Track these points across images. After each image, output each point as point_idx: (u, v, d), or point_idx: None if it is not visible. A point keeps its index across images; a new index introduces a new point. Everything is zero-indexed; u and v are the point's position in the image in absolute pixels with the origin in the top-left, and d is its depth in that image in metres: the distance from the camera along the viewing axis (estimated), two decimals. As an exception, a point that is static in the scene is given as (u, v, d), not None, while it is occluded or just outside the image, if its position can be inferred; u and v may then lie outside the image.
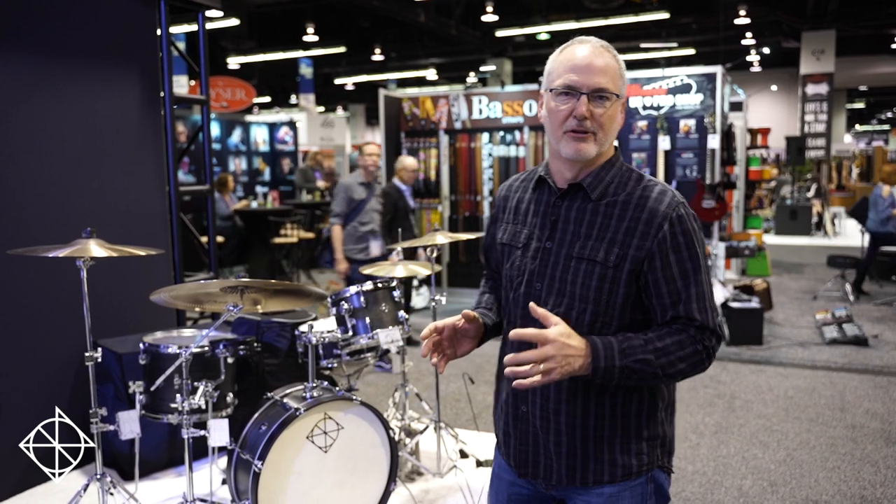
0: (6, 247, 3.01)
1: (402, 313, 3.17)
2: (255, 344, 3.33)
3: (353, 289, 3.10)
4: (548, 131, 1.52)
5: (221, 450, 2.97)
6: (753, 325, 6.03)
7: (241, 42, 14.98)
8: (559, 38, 16.19)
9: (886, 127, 33.34)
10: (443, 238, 3.57)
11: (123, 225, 3.83)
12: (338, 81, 21.35)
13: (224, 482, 3.19)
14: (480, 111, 8.34)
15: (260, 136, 13.36)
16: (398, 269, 3.67)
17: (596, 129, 1.45)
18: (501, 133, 8.26)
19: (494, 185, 8.16)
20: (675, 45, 15.68)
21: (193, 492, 2.81)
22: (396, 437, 3.27)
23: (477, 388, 4.63)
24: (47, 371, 3.53)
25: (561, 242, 1.50)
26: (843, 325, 6.17)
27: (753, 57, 18.05)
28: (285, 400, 2.78)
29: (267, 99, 23.90)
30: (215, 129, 12.17)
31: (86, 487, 2.79)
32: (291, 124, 14.04)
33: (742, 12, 13.50)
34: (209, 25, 7.69)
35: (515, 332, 1.37)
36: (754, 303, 6.12)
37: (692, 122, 6.88)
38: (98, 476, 2.74)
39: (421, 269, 3.74)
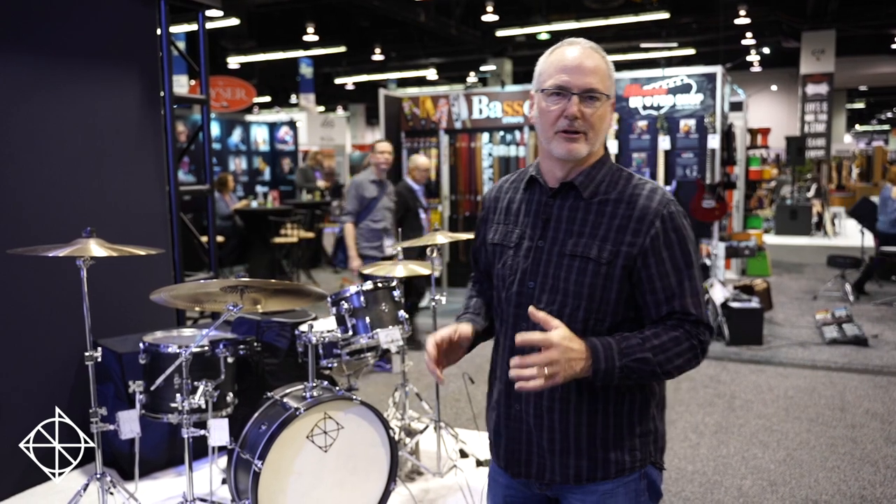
0: (6, 246, 3.01)
1: (402, 313, 3.17)
2: (255, 343, 3.33)
3: (352, 288, 3.10)
4: (539, 132, 1.54)
5: (221, 449, 2.97)
6: (753, 325, 6.03)
7: (242, 42, 14.99)
8: (559, 38, 16.00)
9: (886, 127, 33.34)
10: (443, 238, 3.57)
11: (123, 225, 3.83)
12: (338, 81, 21.36)
13: (224, 482, 3.20)
14: (480, 111, 8.34)
15: (260, 135, 13.36)
16: (398, 268, 3.67)
17: (587, 128, 1.47)
18: (501, 133, 8.26)
19: (494, 184, 8.16)
20: (675, 45, 15.68)
21: (193, 491, 2.81)
22: (396, 437, 3.27)
23: (477, 387, 4.62)
24: (47, 371, 3.53)
25: (553, 241, 1.51)
26: (843, 325, 6.17)
27: (753, 57, 18.05)
28: (285, 399, 2.78)
29: (267, 99, 23.90)
30: (215, 129, 12.17)
31: (86, 487, 2.79)
32: (291, 124, 14.04)
33: (742, 12, 13.50)
34: (209, 25, 7.69)
35: (521, 338, 1.37)
36: (754, 303, 6.12)
37: (692, 122, 6.88)
38: (98, 476, 2.74)
39: (421, 269, 3.74)
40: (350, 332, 3.04)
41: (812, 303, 7.69)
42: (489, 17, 13.45)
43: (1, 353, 3.34)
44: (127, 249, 2.69)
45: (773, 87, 21.16)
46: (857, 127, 35.16)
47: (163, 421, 2.90)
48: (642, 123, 7.07)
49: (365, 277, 5.37)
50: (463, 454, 3.67)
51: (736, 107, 9.48)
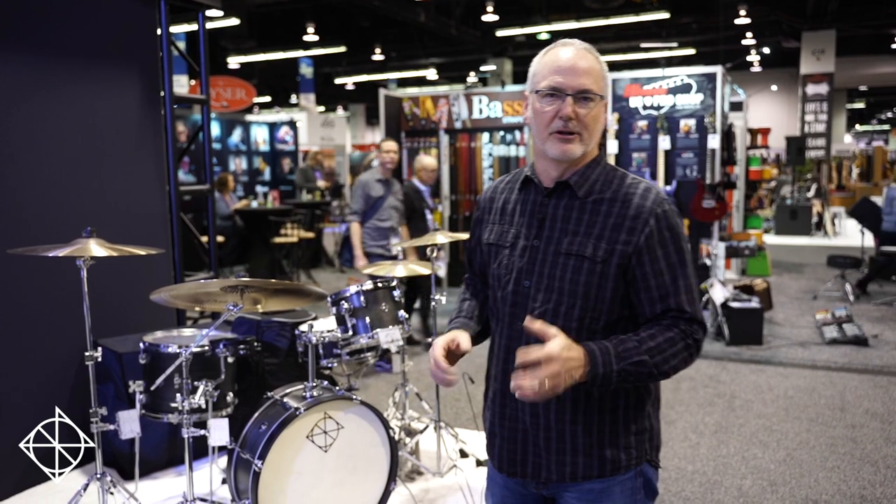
0: (6, 246, 3.01)
1: (402, 313, 3.17)
2: (256, 343, 3.33)
3: (352, 288, 3.10)
4: (533, 132, 1.55)
5: (221, 449, 2.97)
6: (753, 324, 6.03)
7: (242, 42, 14.99)
8: (560, 38, 16.17)
9: (886, 127, 33.35)
10: (443, 238, 3.57)
11: (123, 225, 3.83)
12: (338, 81, 21.36)
13: (224, 482, 3.20)
14: (481, 111, 8.34)
15: (260, 135, 13.36)
16: (398, 268, 3.67)
17: (581, 129, 1.48)
18: (502, 133, 8.26)
19: (494, 184, 8.16)
20: (675, 44, 15.69)
21: (193, 491, 2.81)
22: (396, 437, 3.27)
23: (477, 387, 4.62)
24: (47, 371, 3.53)
25: (549, 240, 1.52)
26: (843, 325, 6.17)
27: (753, 57, 18.05)
28: (285, 399, 2.78)
29: (267, 98, 23.91)
30: (215, 129, 12.17)
31: (86, 487, 2.79)
32: (292, 124, 14.04)
33: (742, 12, 13.50)
34: (209, 25, 7.69)
35: (522, 359, 1.36)
36: (754, 303, 6.12)
37: (692, 122, 6.88)
38: (98, 475, 2.74)
39: (420, 269, 3.74)
40: (350, 332, 3.04)
41: (812, 303, 7.69)
42: (489, 17, 13.45)
43: (1, 353, 3.34)
44: (127, 249, 2.69)
45: (774, 87, 21.16)
46: (858, 127, 35.16)
47: (163, 421, 2.90)
48: (642, 123, 7.07)
49: (373, 277, 5.36)
50: (463, 454, 3.67)
51: (736, 107, 9.48)
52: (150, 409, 2.89)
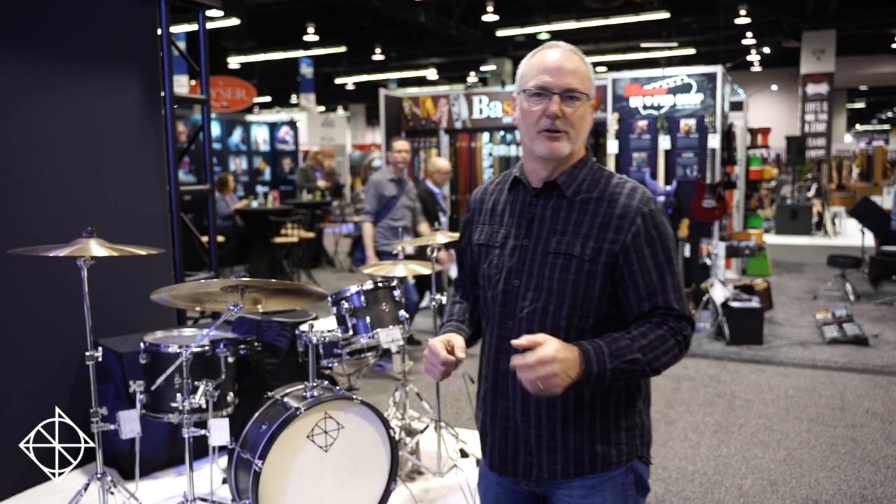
0: (6, 246, 3.01)
1: (402, 312, 3.17)
2: (256, 343, 3.33)
3: (353, 288, 3.10)
4: (522, 132, 1.58)
5: (222, 449, 2.97)
6: (754, 324, 6.03)
7: (242, 42, 15.00)
8: (560, 38, 16.15)
9: (887, 127, 33.33)
10: (443, 238, 3.57)
11: (124, 225, 3.83)
12: (338, 81, 21.37)
13: (224, 481, 3.20)
14: (481, 111, 8.34)
15: (260, 135, 13.36)
16: (398, 268, 3.67)
17: (568, 128, 1.51)
18: (502, 133, 8.26)
19: (495, 184, 8.16)
20: (675, 44, 15.68)
21: (194, 491, 2.81)
22: (397, 437, 3.26)
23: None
24: (47, 371, 3.53)
25: (538, 240, 1.54)
26: (844, 325, 6.17)
27: (754, 57, 18.06)
28: (286, 399, 2.78)
29: (267, 98, 23.92)
30: (216, 129, 12.17)
31: (86, 486, 2.79)
32: (292, 124, 14.04)
33: (742, 12, 13.50)
34: (209, 25, 7.70)
35: (517, 362, 1.38)
36: (754, 302, 6.12)
37: (692, 122, 6.88)
38: (98, 475, 2.74)
39: (420, 269, 3.74)
40: (350, 332, 3.04)
41: (812, 302, 7.69)
42: (489, 17, 13.45)
43: (1, 353, 3.34)
44: (127, 249, 2.69)
45: (774, 87, 21.16)
46: (858, 126, 35.16)
47: (163, 421, 2.90)
48: (642, 123, 7.07)
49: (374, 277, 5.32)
50: (463, 454, 3.67)
51: (736, 106, 9.48)
52: (150, 408, 2.89)
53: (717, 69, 6.83)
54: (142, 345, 2.96)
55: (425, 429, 3.56)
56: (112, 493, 2.76)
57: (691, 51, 16.77)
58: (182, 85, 12.38)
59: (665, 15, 13.17)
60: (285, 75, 20.28)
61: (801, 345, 6.02)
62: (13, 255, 2.76)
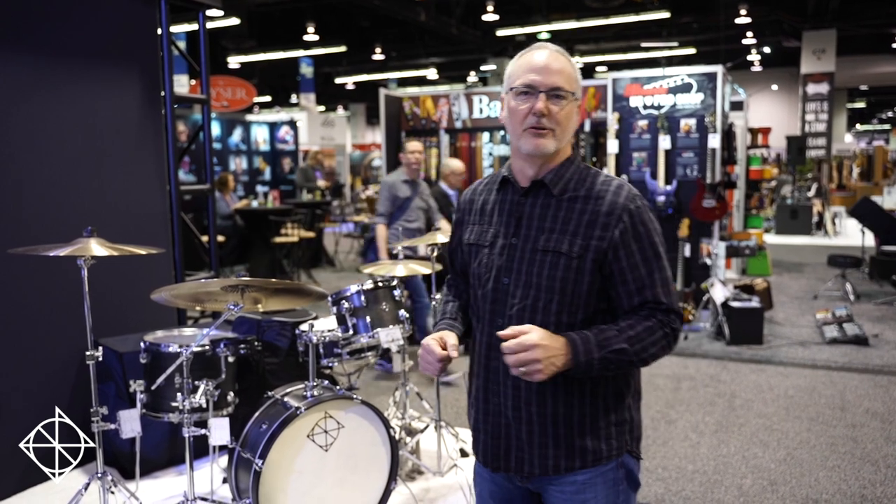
0: (6, 246, 3.01)
1: (402, 312, 3.17)
2: (256, 343, 3.34)
3: (353, 287, 3.10)
4: (509, 130, 1.62)
5: (222, 448, 2.97)
6: (754, 324, 6.03)
7: (242, 41, 15.00)
8: (560, 38, 16.22)
9: (887, 126, 33.32)
10: (443, 237, 3.57)
11: (124, 224, 3.83)
12: (338, 81, 21.37)
13: (225, 481, 3.20)
14: (481, 110, 8.34)
15: (260, 135, 13.36)
16: (399, 268, 3.67)
17: (554, 125, 1.54)
18: (502, 132, 8.26)
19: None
20: (675, 44, 15.68)
21: (194, 490, 2.82)
22: (397, 436, 3.27)
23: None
24: (47, 371, 3.53)
25: (526, 238, 1.57)
26: (844, 325, 6.17)
27: (754, 56, 18.06)
28: (286, 399, 2.78)
29: (267, 98, 23.92)
30: (216, 129, 12.17)
31: (87, 486, 2.79)
32: (292, 123, 14.04)
33: (743, 11, 13.50)
34: (210, 25, 7.70)
35: (507, 352, 1.43)
36: (755, 302, 6.12)
37: (693, 122, 6.88)
38: (99, 475, 2.74)
39: (420, 269, 3.74)
40: (351, 332, 3.04)
41: (812, 302, 7.69)
42: (490, 16, 13.45)
43: (1, 353, 3.34)
44: (128, 249, 2.69)
45: (774, 87, 21.16)
46: (858, 126, 35.15)
47: (164, 420, 2.90)
48: (643, 123, 7.06)
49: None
50: (463, 453, 3.67)
51: (736, 106, 9.48)
52: (150, 408, 2.89)
53: (718, 69, 6.83)
54: (142, 344, 2.96)
55: (425, 428, 3.56)
56: (112, 493, 2.77)
57: (692, 50, 16.77)
58: (182, 85, 12.38)
59: (665, 14, 13.17)
60: (285, 75, 20.29)
61: (801, 344, 6.02)
62: (13, 255, 2.77)
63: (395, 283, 3.21)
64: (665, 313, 1.52)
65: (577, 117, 1.60)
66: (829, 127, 16.31)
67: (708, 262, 6.83)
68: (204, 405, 2.84)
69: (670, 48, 16.22)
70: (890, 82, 21.25)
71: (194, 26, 5.35)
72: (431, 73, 19.77)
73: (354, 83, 22.23)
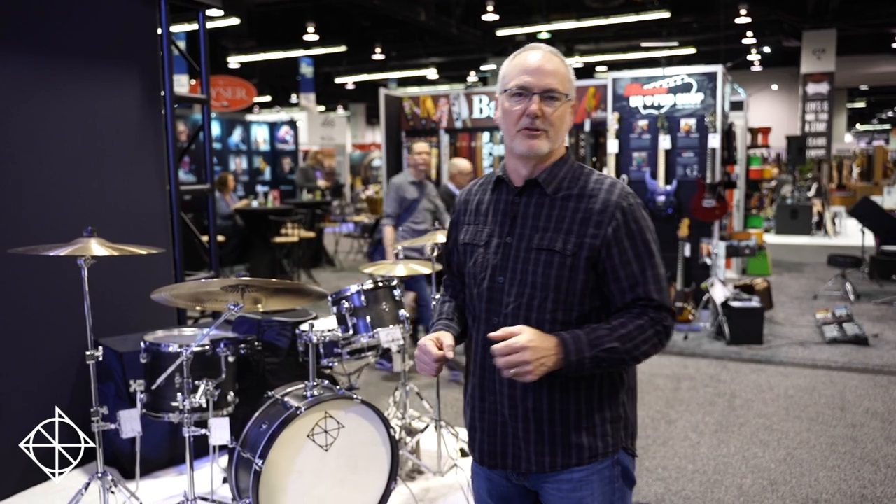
0: (6, 246, 3.01)
1: (402, 312, 3.17)
2: (256, 343, 3.34)
3: (353, 287, 3.10)
4: (503, 131, 1.63)
5: (222, 448, 2.97)
6: (754, 324, 6.03)
7: (242, 41, 15.00)
8: (560, 38, 16.22)
9: (887, 126, 33.31)
10: (443, 237, 3.57)
11: (124, 224, 3.83)
12: (338, 81, 21.36)
13: (225, 481, 3.20)
14: (481, 110, 8.34)
15: (260, 135, 13.36)
16: (399, 268, 3.67)
17: (547, 126, 1.55)
18: (502, 132, 8.25)
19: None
20: (675, 44, 15.68)
21: (194, 490, 2.82)
22: (397, 436, 3.27)
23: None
24: (47, 371, 3.53)
25: (521, 237, 1.58)
26: (844, 325, 6.17)
27: (754, 56, 18.05)
28: (286, 399, 2.78)
29: (267, 98, 23.91)
30: (216, 129, 12.17)
31: (87, 486, 2.79)
32: (292, 123, 14.04)
33: (743, 11, 13.50)
34: (210, 24, 7.69)
35: (497, 354, 1.44)
36: (755, 302, 6.12)
37: (693, 122, 6.88)
38: (99, 474, 2.74)
39: (421, 269, 3.74)
40: (351, 332, 3.04)
41: (812, 302, 7.69)
42: (490, 16, 13.44)
43: (1, 353, 3.34)
44: (128, 249, 2.69)
45: (774, 87, 21.15)
46: (858, 126, 35.14)
47: (164, 420, 2.91)
48: (643, 123, 7.06)
49: (407, 284, 5.29)
50: (463, 453, 3.67)
51: (736, 106, 9.47)
52: (150, 408, 2.89)
53: (718, 69, 6.83)
54: (142, 344, 2.96)
55: (425, 428, 3.56)
56: (112, 493, 2.77)
57: (692, 50, 16.77)
58: (182, 84, 12.38)
59: (665, 14, 13.17)
60: (285, 75, 20.28)
61: (801, 344, 6.02)
62: (13, 255, 2.77)
63: (395, 282, 3.21)
64: (657, 310, 1.53)
65: (570, 117, 1.61)
66: (829, 127, 16.31)
67: (708, 261, 6.83)
68: (204, 405, 2.84)
69: (670, 48, 16.22)
70: (890, 82, 21.25)
71: (194, 26, 5.35)
72: (431, 73, 19.76)
73: (354, 83, 22.22)
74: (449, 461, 3.49)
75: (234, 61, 16.37)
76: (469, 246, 1.68)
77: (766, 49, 17.37)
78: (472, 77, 21.37)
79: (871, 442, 4.00)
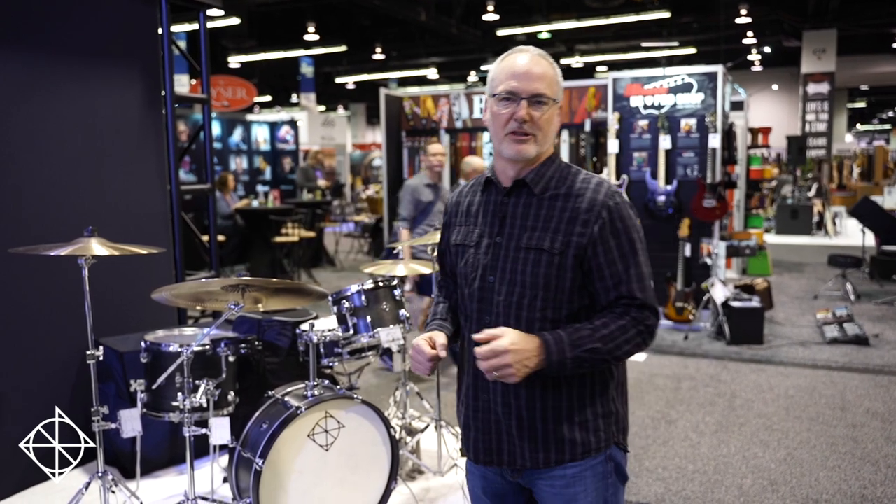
0: (7, 246, 3.01)
1: (403, 312, 3.17)
2: (257, 342, 3.34)
3: (353, 287, 3.10)
4: (491, 133, 1.65)
5: (223, 448, 2.98)
6: (754, 324, 6.03)
7: (242, 41, 15.00)
8: (560, 38, 16.22)
9: (887, 126, 33.32)
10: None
11: (124, 224, 3.83)
12: (339, 80, 21.36)
13: (225, 480, 3.20)
14: (481, 110, 8.34)
15: (261, 135, 13.36)
16: (399, 268, 3.67)
17: (535, 130, 1.57)
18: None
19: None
20: (675, 44, 15.67)
21: (195, 490, 2.82)
22: (397, 436, 3.27)
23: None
24: (48, 371, 3.53)
25: (510, 236, 1.60)
26: (844, 325, 6.17)
27: (754, 56, 18.05)
28: (286, 398, 2.79)
29: (268, 98, 23.91)
30: (216, 128, 12.17)
31: (87, 485, 2.79)
32: (292, 123, 14.04)
33: (743, 11, 13.49)
34: (210, 24, 7.68)
35: (480, 358, 1.47)
36: (755, 302, 6.11)
37: (693, 122, 6.88)
38: (99, 474, 2.74)
39: (421, 269, 3.74)
40: (351, 331, 3.04)
41: (813, 302, 7.69)
42: (490, 16, 13.44)
43: (1, 352, 3.34)
44: (128, 248, 2.69)
45: (774, 87, 21.15)
46: (859, 126, 35.14)
47: (164, 420, 2.91)
48: (643, 123, 7.06)
49: (419, 286, 5.27)
50: (463, 453, 3.66)
51: (737, 106, 9.47)
52: (151, 407, 2.90)
53: (718, 69, 6.83)
54: (143, 344, 2.96)
55: (426, 428, 3.56)
56: (113, 492, 2.77)
57: (692, 50, 16.76)
58: (182, 84, 12.38)
59: (665, 14, 13.17)
60: (286, 75, 20.28)
61: (802, 344, 6.02)
62: (13, 255, 2.77)
63: (395, 282, 3.21)
64: (639, 310, 1.54)
65: (558, 119, 1.63)
66: (830, 127, 16.30)
67: (708, 261, 6.83)
68: (204, 405, 2.84)
69: (670, 48, 16.21)
70: (890, 82, 21.24)
71: (195, 26, 5.35)
72: (432, 73, 19.76)
73: (355, 83, 22.22)
74: (449, 461, 3.49)
75: (234, 61, 16.37)
76: (460, 247, 1.70)
77: (767, 49, 17.37)
78: (473, 77, 21.37)
79: (872, 442, 4.00)
